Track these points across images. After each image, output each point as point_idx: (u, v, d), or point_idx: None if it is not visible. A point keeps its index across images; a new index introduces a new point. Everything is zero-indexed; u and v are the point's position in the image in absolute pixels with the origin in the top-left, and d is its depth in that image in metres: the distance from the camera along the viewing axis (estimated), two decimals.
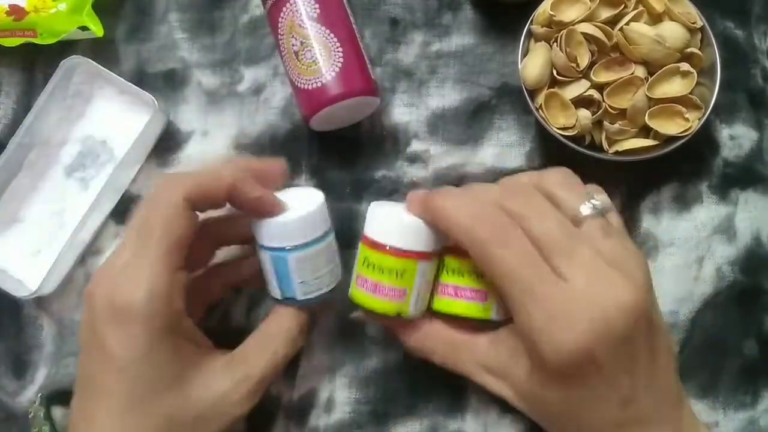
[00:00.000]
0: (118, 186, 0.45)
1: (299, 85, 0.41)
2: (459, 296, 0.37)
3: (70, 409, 0.34)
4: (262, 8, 0.43)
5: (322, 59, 0.40)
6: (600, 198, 0.34)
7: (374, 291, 0.36)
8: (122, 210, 0.45)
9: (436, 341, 0.37)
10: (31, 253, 0.45)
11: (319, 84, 0.40)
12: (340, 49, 0.41)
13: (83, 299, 0.33)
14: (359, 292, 0.37)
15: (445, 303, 0.37)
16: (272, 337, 0.37)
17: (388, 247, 0.35)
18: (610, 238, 0.33)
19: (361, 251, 0.37)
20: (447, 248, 0.37)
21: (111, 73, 0.44)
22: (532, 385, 0.33)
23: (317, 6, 0.41)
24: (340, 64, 0.40)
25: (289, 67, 0.42)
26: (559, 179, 0.35)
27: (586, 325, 0.29)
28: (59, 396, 0.42)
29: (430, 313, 0.38)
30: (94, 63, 0.44)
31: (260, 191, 0.35)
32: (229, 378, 0.35)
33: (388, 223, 0.36)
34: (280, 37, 0.42)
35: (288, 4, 0.41)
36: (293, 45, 0.41)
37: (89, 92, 0.46)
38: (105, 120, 0.46)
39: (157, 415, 0.32)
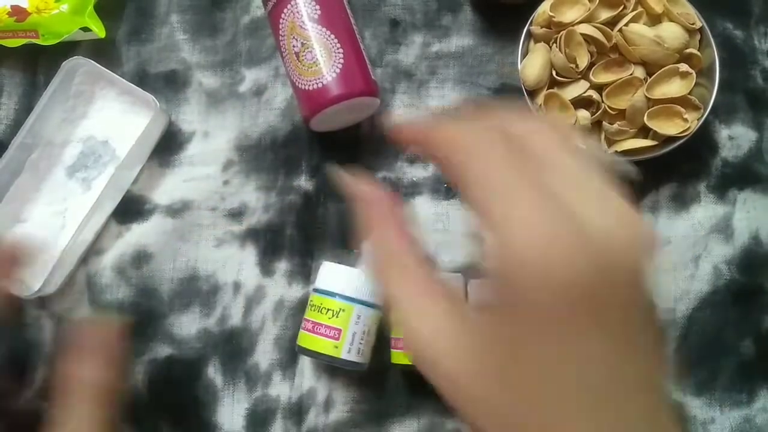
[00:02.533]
0: (120, 186, 0.45)
1: (300, 86, 0.41)
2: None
3: None
4: (263, 9, 0.44)
5: (323, 60, 0.40)
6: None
7: None
8: (124, 210, 0.45)
9: None
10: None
11: (320, 85, 0.40)
12: (341, 50, 0.41)
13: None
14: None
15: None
16: None
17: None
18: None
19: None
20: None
21: (113, 74, 0.45)
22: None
23: (318, 7, 0.41)
24: (340, 65, 0.41)
25: (290, 68, 0.42)
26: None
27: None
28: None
29: None
30: (96, 64, 0.44)
31: None
32: None
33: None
34: (281, 38, 0.42)
35: (289, 6, 0.41)
36: (294, 46, 0.41)
37: (91, 93, 0.47)
38: (107, 120, 0.47)
39: None
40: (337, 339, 0.39)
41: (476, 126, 0.25)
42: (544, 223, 0.21)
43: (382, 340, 0.43)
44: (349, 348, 0.39)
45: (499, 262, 0.21)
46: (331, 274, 0.40)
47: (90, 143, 0.47)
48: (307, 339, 0.40)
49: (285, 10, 0.41)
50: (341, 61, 0.41)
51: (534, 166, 0.23)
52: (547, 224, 0.21)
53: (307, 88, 0.41)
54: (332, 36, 0.41)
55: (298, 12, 0.41)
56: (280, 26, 0.42)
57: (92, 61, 0.44)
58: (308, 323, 0.40)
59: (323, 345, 0.39)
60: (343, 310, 0.39)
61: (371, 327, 0.40)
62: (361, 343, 0.39)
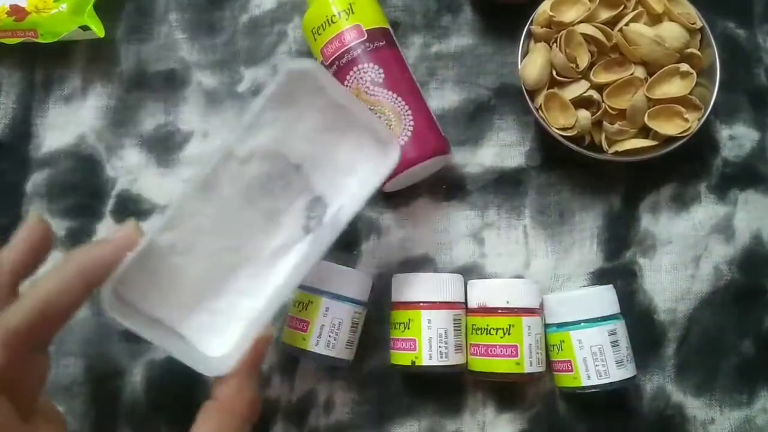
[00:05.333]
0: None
1: None
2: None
3: None
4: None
5: (393, 125, 0.39)
6: None
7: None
8: (121, 210, 0.45)
9: None
10: None
11: None
12: (409, 112, 0.40)
13: None
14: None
15: (478, 362, 0.39)
16: None
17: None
18: None
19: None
20: (470, 309, 0.41)
21: (342, 89, 0.34)
22: None
23: (382, 71, 0.40)
24: (411, 128, 0.40)
25: None
26: None
27: None
28: None
29: (469, 373, 0.40)
30: (324, 75, 0.33)
31: None
32: None
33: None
34: None
35: (353, 71, 0.40)
36: None
37: (305, 106, 0.34)
38: (310, 142, 0.35)
39: None
40: (305, 331, 0.39)
41: None
42: None
43: (381, 340, 0.43)
44: (317, 340, 0.39)
45: None
46: None
47: (278, 163, 0.35)
48: (285, 334, 0.40)
49: (348, 76, 0.40)
50: (411, 123, 0.40)
51: None
52: None
53: None
54: (399, 99, 0.40)
55: (362, 78, 0.40)
56: None
57: (323, 69, 0.33)
58: (287, 319, 0.41)
59: (294, 337, 0.39)
60: (311, 302, 0.39)
61: (345, 321, 0.39)
62: (331, 336, 0.39)
